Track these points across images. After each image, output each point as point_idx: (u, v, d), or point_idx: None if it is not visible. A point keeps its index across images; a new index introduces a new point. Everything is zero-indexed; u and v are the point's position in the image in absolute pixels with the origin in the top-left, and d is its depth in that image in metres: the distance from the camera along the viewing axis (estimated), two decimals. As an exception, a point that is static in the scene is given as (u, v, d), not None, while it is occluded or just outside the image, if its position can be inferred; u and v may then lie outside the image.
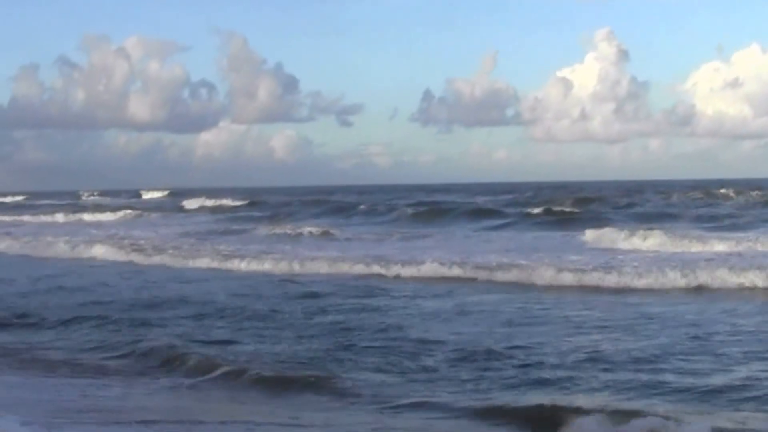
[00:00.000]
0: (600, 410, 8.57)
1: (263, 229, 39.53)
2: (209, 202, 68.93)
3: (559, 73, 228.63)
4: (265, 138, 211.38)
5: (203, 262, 26.44)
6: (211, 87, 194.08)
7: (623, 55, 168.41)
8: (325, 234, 36.69)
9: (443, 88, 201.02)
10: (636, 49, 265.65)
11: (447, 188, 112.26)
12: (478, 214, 47.97)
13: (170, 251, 29.36)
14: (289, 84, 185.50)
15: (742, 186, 73.24)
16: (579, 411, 8.65)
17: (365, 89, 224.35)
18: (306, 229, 38.04)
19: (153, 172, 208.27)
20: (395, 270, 22.50)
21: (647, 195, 67.69)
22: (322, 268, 24.05)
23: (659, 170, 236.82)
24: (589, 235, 29.06)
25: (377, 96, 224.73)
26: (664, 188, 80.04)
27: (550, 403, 9.09)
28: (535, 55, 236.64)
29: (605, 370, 10.89)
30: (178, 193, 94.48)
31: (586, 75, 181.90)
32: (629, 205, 54.36)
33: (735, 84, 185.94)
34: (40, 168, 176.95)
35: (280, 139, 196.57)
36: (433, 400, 9.76)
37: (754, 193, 58.66)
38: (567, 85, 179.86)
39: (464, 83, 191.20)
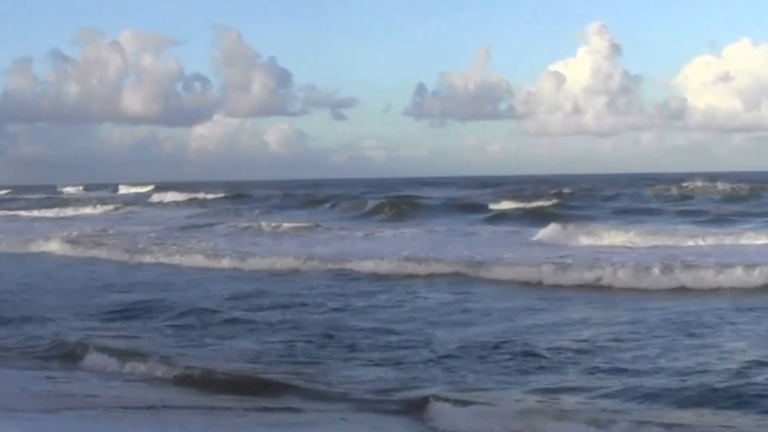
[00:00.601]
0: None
1: (225, 225, 38.89)
2: (183, 196, 68.16)
3: (552, 67, 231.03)
4: (259, 131, 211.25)
5: (155, 258, 25.74)
6: (204, 81, 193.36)
7: (615, 49, 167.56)
8: (289, 230, 35.86)
9: (436, 82, 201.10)
10: (628, 43, 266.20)
11: (440, 182, 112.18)
12: (452, 208, 47.42)
13: (115, 246, 28.71)
14: (283, 78, 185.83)
15: (731, 179, 72.68)
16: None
17: (359, 83, 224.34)
18: (264, 223, 37.39)
19: (147, 165, 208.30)
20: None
21: (635, 188, 66.94)
22: (260, 264, 23.25)
23: (652, 163, 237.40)
24: (542, 231, 28.38)
25: (371, 90, 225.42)
26: (652, 181, 79.17)
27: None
28: (528, 50, 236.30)
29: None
30: (164, 187, 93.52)
31: (579, 69, 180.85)
32: (611, 199, 53.96)
33: (726, 78, 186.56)
34: (33, 162, 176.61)
35: (275, 133, 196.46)
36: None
37: (731, 186, 58.18)
38: (560, 79, 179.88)
39: (457, 77, 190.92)
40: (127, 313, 15.75)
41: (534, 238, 28.05)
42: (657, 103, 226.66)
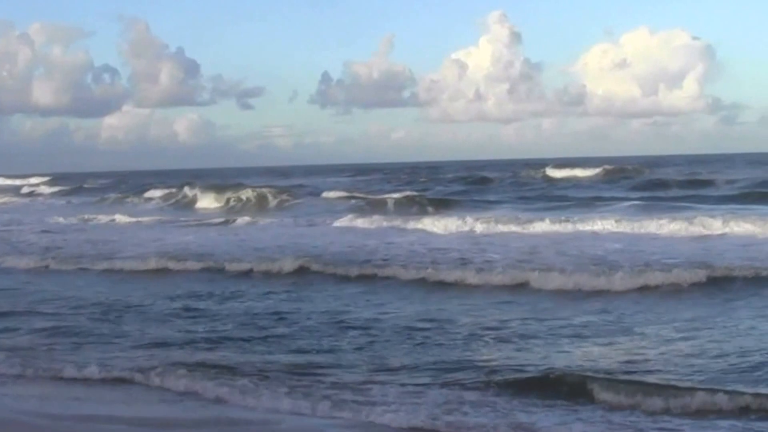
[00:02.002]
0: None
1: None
2: (51, 189, 67.34)
3: (454, 56, 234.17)
4: (169, 121, 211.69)
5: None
6: (113, 72, 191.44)
7: (516, 37, 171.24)
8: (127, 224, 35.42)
9: (341, 71, 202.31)
10: (528, 32, 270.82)
11: (344, 168, 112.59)
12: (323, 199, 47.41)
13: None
14: (191, 68, 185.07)
15: (627, 163, 74.61)
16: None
17: (265, 73, 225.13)
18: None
19: (58, 156, 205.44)
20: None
21: (510, 172, 68.09)
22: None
23: (553, 149, 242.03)
24: (339, 220, 28.93)
25: (277, 79, 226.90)
26: (542, 166, 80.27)
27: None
28: (430, 38, 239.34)
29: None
30: (60, 178, 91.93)
31: (480, 57, 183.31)
32: (477, 183, 54.96)
33: (624, 65, 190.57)
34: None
35: (183, 123, 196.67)
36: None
37: (596, 171, 59.41)
38: (462, 66, 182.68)
39: (361, 66, 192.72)
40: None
41: (335, 225, 28.47)
42: (557, 90, 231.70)
